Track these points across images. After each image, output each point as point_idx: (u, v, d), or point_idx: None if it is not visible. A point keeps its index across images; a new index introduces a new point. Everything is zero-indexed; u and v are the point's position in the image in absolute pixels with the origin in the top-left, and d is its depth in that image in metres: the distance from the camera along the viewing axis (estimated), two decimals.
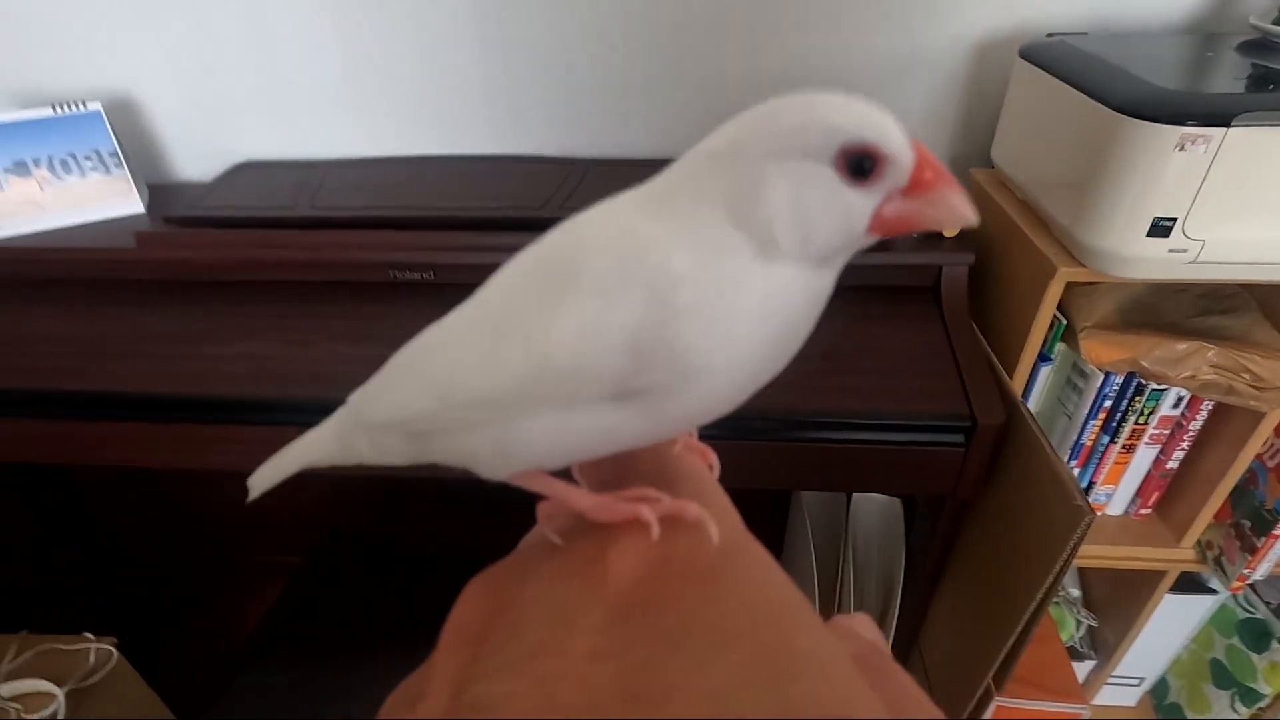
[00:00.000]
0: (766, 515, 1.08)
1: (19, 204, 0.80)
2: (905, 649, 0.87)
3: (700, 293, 0.15)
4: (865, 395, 0.65)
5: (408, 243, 0.76)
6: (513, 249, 0.68)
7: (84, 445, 0.70)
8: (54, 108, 0.79)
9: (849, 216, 0.15)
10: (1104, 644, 0.97)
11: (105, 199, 0.83)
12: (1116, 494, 0.82)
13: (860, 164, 0.15)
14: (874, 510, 0.87)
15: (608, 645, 0.12)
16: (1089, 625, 0.98)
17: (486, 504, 0.79)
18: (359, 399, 0.21)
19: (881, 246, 0.70)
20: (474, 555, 0.22)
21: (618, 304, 0.15)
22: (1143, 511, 0.83)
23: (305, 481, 0.29)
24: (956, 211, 0.16)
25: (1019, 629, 0.63)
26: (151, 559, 1.17)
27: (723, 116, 0.67)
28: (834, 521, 0.91)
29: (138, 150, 0.91)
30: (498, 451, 0.18)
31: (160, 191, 0.90)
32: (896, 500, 0.87)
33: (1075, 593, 1.02)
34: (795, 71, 0.82)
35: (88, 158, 0.81)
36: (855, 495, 0.89)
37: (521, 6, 0.80)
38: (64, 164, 0.81)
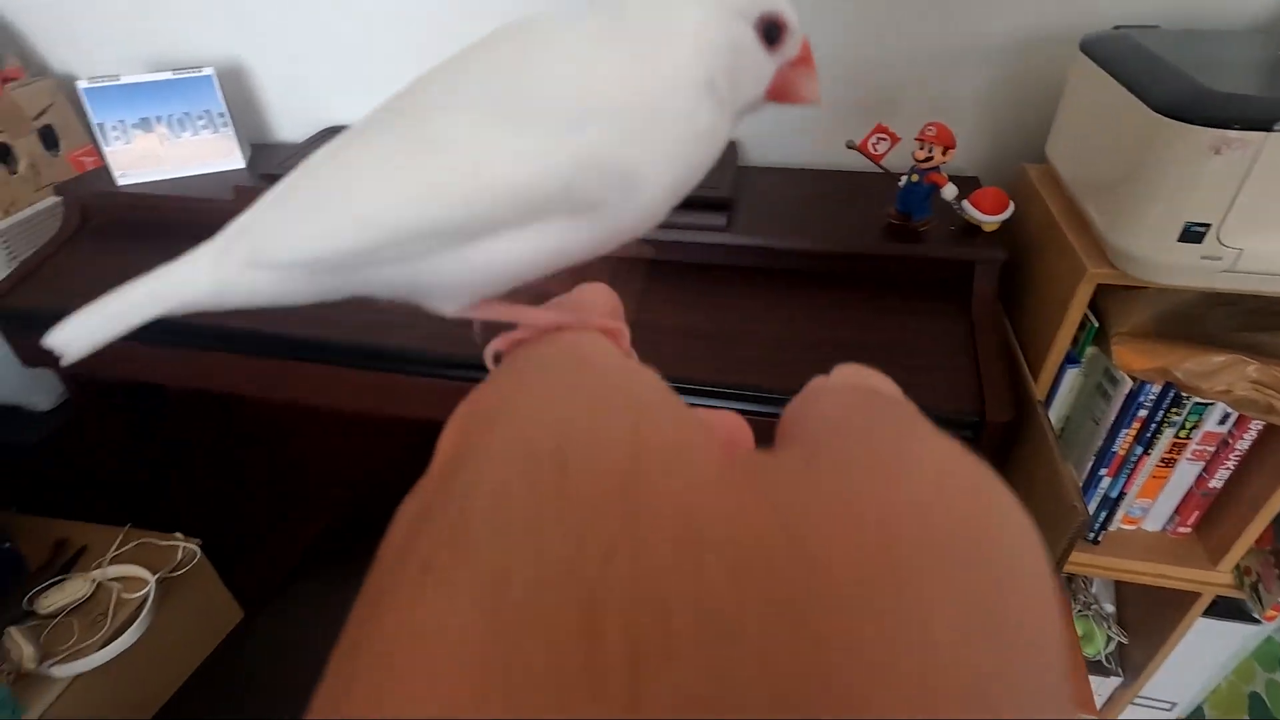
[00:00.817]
0: None
1: (142, 156, 0.91)
2: None
3: (651, 125, 0.17)
4: None
5: None
6: None
7: (177, 370, 0.81)
8: (174, 72, 0.90)
9: (759, 74, 0.17)
10: (1132, 663, 0.94)
11: (213, 155, 0.94)
12: (1154, 509, 0.79)
13: (770, 30, 0.17)
14: None
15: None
16: (1119, 642, 0.95)
17: None
18: (254, 236, 0.19)
19: (918, 239, 0.70)
20: None
21: (581, 132, 0.16)
22: (1181, 530, 0.80)
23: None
24: (816, 90, 0.19)
25: None
26: (234, 474, 1.32)
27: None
28: None
29: (243, 113, 1.02)
30: (447, 281, 0.17)
31: (260, 150, 1.01)
32: None
33: (1109, 608, 0.99)
34: (849, 58, 0.82)
35: (200, 117, 0.92)
36: None
37: None
38: (180, 122, 0.92)
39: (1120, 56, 0.60)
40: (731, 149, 0.89)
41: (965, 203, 0.71)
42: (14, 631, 0.81)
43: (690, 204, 0.68)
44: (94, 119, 0.88)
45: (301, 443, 1.27)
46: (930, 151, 0.68)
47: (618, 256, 0.20)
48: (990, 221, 0.71)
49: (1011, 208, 0.71)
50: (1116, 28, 0.69)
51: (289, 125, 1.05)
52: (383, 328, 0.74)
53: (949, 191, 0.70)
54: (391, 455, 1.30)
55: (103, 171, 0.95)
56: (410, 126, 0.18)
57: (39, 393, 1.01)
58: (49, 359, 0.89)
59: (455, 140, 0.17)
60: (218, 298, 0.19)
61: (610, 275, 0.19)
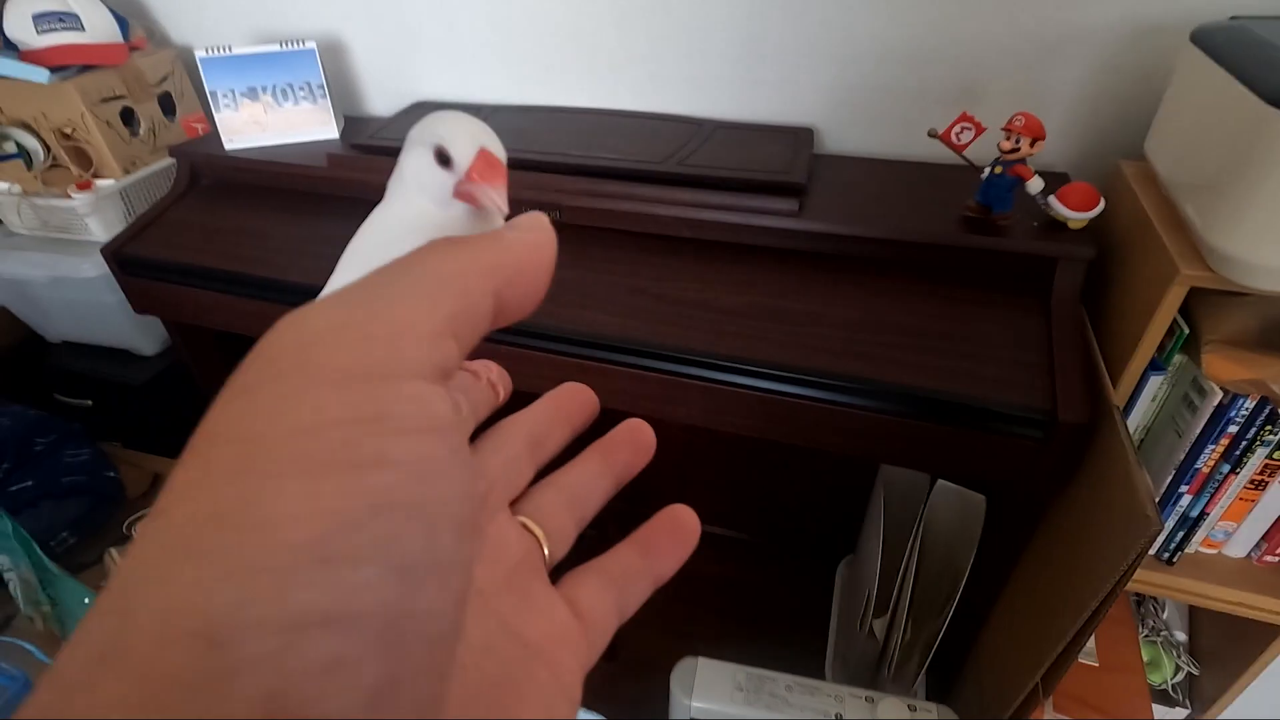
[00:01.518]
0: (850, 483, 1.08)
1: (247, 123, 0.97)
2: (962, 643, 0.86)
3: (393, 245, 0.20)
4: (945, 375, 0.65)
5: (540, 183, 0.85)
6: (629, 197, 0.75)
7: (265, 321, 0.86)
8: (281, 44, 0.96)
9: (437, 183, 0.23)
10: (1202, 695, 0.89)
11: (310, 124, 0.99)
12: (1238, 533, 0.75)
13: (441, 156, 0.22)
14: (954, 502, 0.86)
15: None
16: (1189, 672, 0.90)
17: None
18: None
19: (998, 233, 0.69)
20: None
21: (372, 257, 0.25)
22: (1269, 559, 0.75)
23: None
24: (489, 200, 0.22)
25: (1071, 634, 0.61)
26: None
27: (855, 88, 0.71)
28: (912, 503, 0.90)
29: (339, 85, 1.07)
30: None
31: (353, 122, 1.06)
32: (980, 498, 0.85)
33: (1181, 636, 0.94)
34: (934, 44, 0.80)
35: (301, 88, 0.98)
36: (939, 483, 0.87)
37: None
38: (283, 92, 0.97)
39: (1234, 48, 0.57)
40: (806, 136, 0.88)
41: (1052, 198, 0.69)
42: (114, 551, 0.89)
43: (762, 188, 0.69)
44: (208, 86, 0.95)
45: None
46: (1017, 143, 0.66)
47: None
48: (1078, 218, 0.68)
49: (1102, 205, 0.68)
50: (1233, 18, 0.65)
51: (380, 99, 1.10)
52: None
53: (1034, 185, 0.68)
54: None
55: (212, 136, 1.01)
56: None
57: (146, 338, 1.09)
58: (156, 307, 0.98)
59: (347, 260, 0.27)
60: None
61: None
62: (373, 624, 0.10)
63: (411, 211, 0.23)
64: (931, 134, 0.70)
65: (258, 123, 0.98)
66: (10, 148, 1.00)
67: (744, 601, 1.19)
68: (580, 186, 0.83)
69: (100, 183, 1.02)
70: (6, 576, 0.84)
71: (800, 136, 0.88)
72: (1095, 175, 0.77)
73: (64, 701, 0.09)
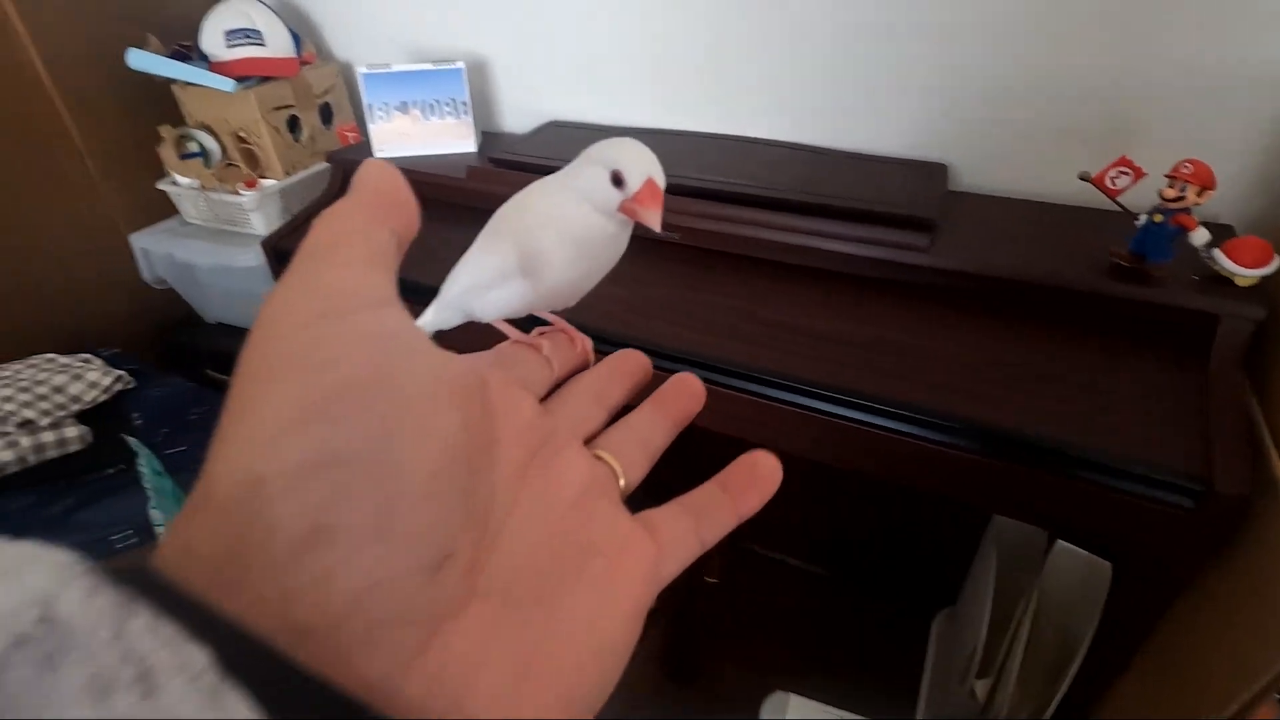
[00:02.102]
0: (955, 531, 1.03)
1: (397, 134, 1.05)
2: (1077, 715, 0.80)
3: (549, 224, 0.29)
4: (1077, 426, 0.61)
5: (666, 206, 0.87)
6: (752, 223, 0.76)
7: None
8: (433, 64, 1.03)
9: (608, 198, 0.28)
10: None
11: (453, 137, 1.06)
12: None
13: (616, 178, 0.27)
14: (1075, 565, 0.80)
15: None
16: None
17: None
18: (439, 296, 0.35)
19: (1152, 284, 0.65)
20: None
21: (517, 241, 0.29)
22: None
23: None
24: (649, 220, 0.27)
25: None
26: None
27: (995, 124, 0.70)
28: (1027, 562, 0.85)
29: (480, 102, 1.14)
30: (485, 309, 0.31)
31: (490, 136, 1.12)
32: (1107, 564, 0.79)
33: None
34: (1089, 81, 0.76)
35: (447, 104, 1.04)
36: (1059, 544, 0.82)
37: (822, 5, 0.85)
38: (431, 107, 1.04)
39: None
40: (940, 172, 0.86)
41: (1217, 251, 0.64)
42: None
43: (890, 221, 0.68)
44: (366, 100, 1.03)
45: None
46: (1183, 191, 0.62)
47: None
48: (1248, 275, 0.63)
49: (1276, 263, 0.62)
50: None
51: (515, 115, 1.15)
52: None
53: (1199, 237, 0.63)
54: None
55: (362, 145, 1.10)
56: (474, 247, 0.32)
57: None
58: None
59: (471, 252, 0.32)
60: (435, 324, 0.35)
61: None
62: (358, 466, 0.13)
63: (577, 212, 0.28)
64: (1083, 177, 0.67)
65: (405, 134, 1.05)
66: (194, 147, 1.12)
67: (831, 641, 1.15)
68: (703, 210, 0.85)
69: (265, 182, 1.13)
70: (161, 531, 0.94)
71: (934, 171, 0.86)
72: (1267, 231, 0.71)
73: (174, 533, 0.13)
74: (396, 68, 1.03)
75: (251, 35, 1.09)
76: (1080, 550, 0.79)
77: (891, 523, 1.16)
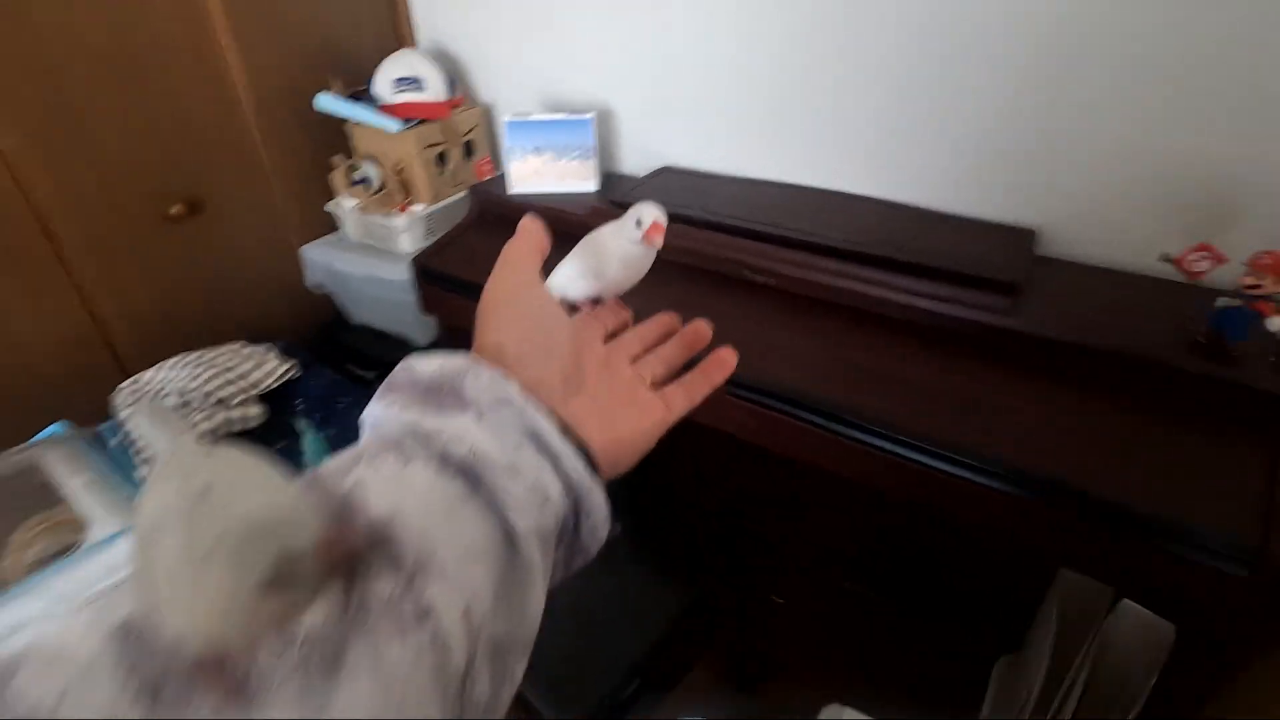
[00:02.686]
0: (1024, 577, 1.06)
1: (530, 172, 1.20)
2: None
3: (606, 248, 0.44)
4: (1141, 489, 0.66)
5: (762, 252, 0.96)
6: (843, 275, 0.85)
7: None
8: (567, 114, 1.17)
9: (634, 234, 0.44)
10: None
11: (576, 178, 1.20)
12: None
13: (638, 222, 0.43)
14: (1137, 624, 0.83)
15: None
16: None
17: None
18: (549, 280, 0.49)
19: (1228, 363, 0.69)
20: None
21: (583, 258, 0.46)
22: None
23: None
24: (654, 244, 0.43)
25: None
26: None
27: (1088, 196, 0.77)
28: (1090, 615, 0.88)
29: (604, 145, 1.27)
30: (573, 293, 0.46)
31: (609, 178, 1.25)
32: (1170, 626, 0.81)
33: None
34: (1188, 162, 0.80)
35: (575, 149, 1.18)
36: (1123, 601, 0.85)
37: (926, 70, 0.93)
38: (561, 151, 1.19)
39: None
40: (1028, 237, 0.91)
41: None
42: None
43: (974, 282, 0.75)
44: (507, 143, 1.18)
45: None
46: (1261, 280, 0.66)
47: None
48: None
49: None
50: None
51: (633, 158, 1.28)
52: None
53: (1275, 324, 0.67)
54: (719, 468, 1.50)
55: (498, 180, 1.26)
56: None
57: (422, 332, 1.36)
58: (438, 310, 1.23)
59: (568, 259, 0.47)
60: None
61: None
62: (534, 338, 0.31)
63: (620, 242, 0.45)
64: (1164, 258, 0.71)
65: (538, 173, 1.20)
66: (359, 175, 1.32)
67: (892, 668, 1.20)
68: (797, 259, 0.94)
69: (414, 208, 1.30)
70: None
71: (1022, 236, 0.91)
72: None
73: (471, 360, 0.29)
74: (535, 117, 1.18)
75: (415, 83, 1.27)
76: (1144, 610, 0.82)
77: (962, 563, 1.19)
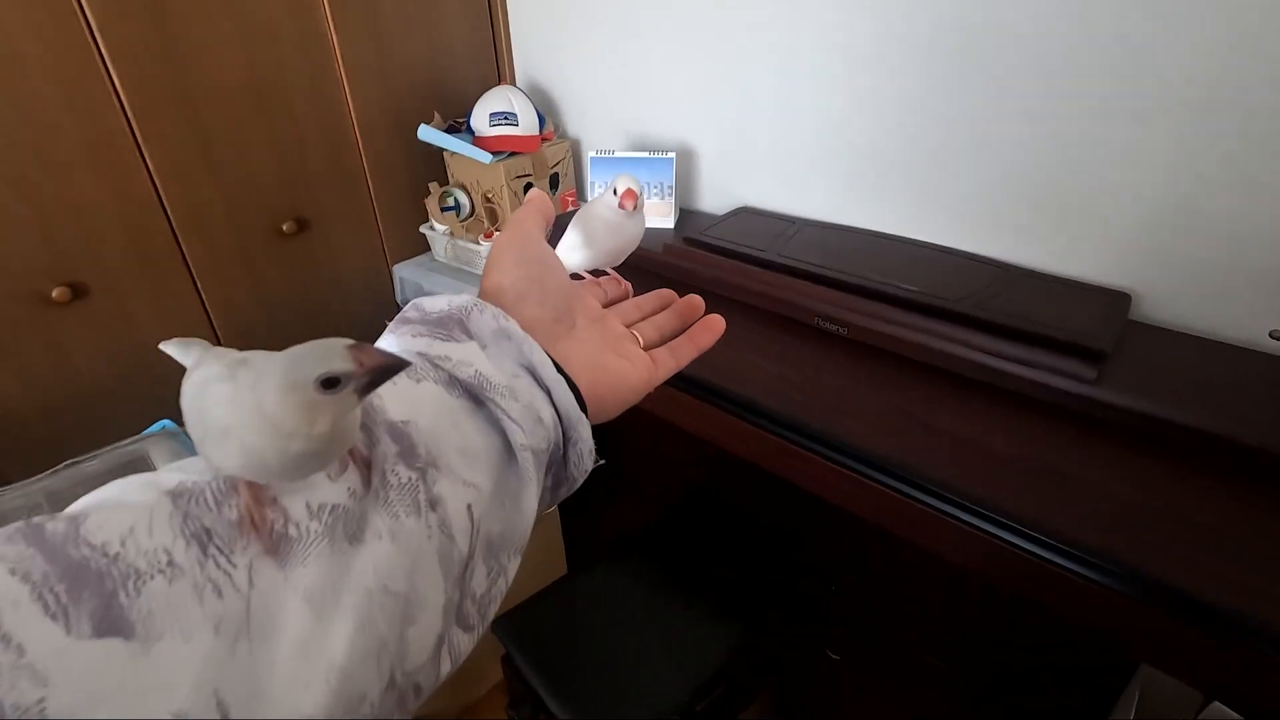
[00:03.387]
0: (1103, 669, 0.99)
1: None
2: None
3: (595, 218, 0.52)
4: (1234, 586, 0.60)
5: (835, 299, 0.95)
6: (919, 329, 0.83)
7: None
8: (650, 152, 1.20)
9: (613, 201, 0.51)
10: None
11: (655, 215, 1.22)
12: None
13: (614, 190, 0.50)
14: None
15: None
16: None
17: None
18: None
19: None
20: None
21: (582, 227, 0.53)
22: None
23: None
24: (627, 207, 0.50)
25: None
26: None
27: (1191, 261, 0.77)
28: (1173, 716, 0.81)
29: (683, 182, 1.30)
30: (573, 264, 0.52)
31: (686, 215, 1.27)
32: None
33: None
34: None
35: (655, 186, 1.21)
36: (1213, 704, 0.78)
37: (1017, 121, 0.91)
38: (643, 188, 1.21)
39: None
40: (1123, 301, 0.86)
41: None
42: None
43: (1059, 347, 0.72)
44: (590, 178, 1.23)
45: (648, 441, 1.55)
46: None
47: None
48: None
49: None
50: None
51: (711, 197, 1.30)
52: (738, 376, 0.90)
53: None
54: (714, 473, 1.50)
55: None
56: None
57: None
58: None
59: (565, 234, 0.53)
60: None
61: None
62: (533, 283, 0.34)
63: (604, 211, 0.50)
64: (1274, 335, 0.66)
65: None
66: (451, 202, 1.39)
67: None
68: (872, 310, 0.92)
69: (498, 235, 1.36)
70: None
71: (1116, 300, 0.86)
72: None
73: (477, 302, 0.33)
74: (618, 153, 1.22)
75: (509, 118, 1.34)
76: (1237, 716, 0.75)
77: (1035, 640, 1.12)
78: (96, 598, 0.19)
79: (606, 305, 0.42)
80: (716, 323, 0.41)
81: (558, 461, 0.32)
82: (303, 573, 0.23)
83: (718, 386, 0.89)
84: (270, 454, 0.22)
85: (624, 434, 1.55)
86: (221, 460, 0.23)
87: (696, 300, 0.43)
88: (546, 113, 1.42)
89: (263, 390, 0.22)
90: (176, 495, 0.23)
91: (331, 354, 0.22)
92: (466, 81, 1.46)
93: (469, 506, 0.27)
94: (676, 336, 0.41)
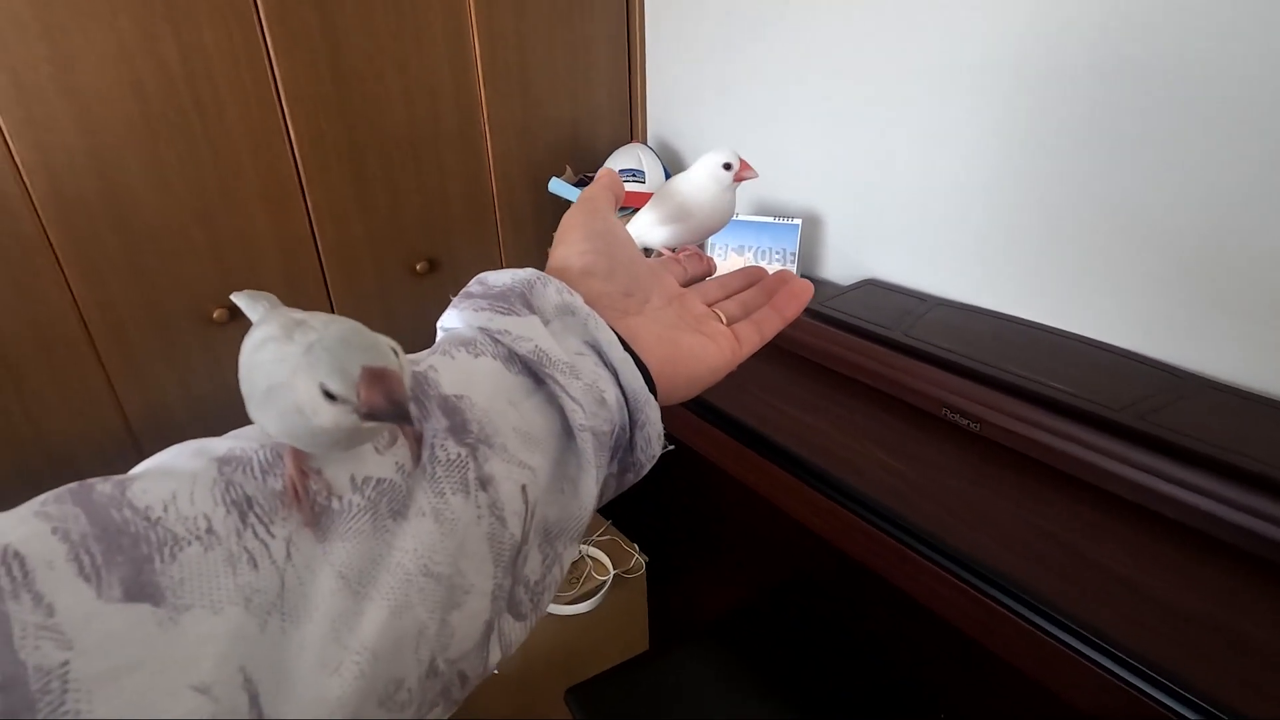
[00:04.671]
0: None
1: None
2: None
3: (688, 195, 0.49)
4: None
5: (968, 391, 0.86)
6: (1066, 437, 0.72)
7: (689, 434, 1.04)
8: (775, 218, 1.17)
9: (724, 176, 0.50)
10: None
11: None
12: None
13: (727, 165, 0.49)
14: None
15: None
16: None
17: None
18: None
19: None
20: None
21: (666, 203, 0.50)
22: None
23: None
24: (747, 177, 0.49)
25: None
26: (682, 514, 1.60)
27: None
28: None
29: (807, 251, 1.25)
30: (654, 241, 0.50)
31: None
32: None
33: None
34: None
35: (778, 252, 1.17)
36: None
37: (1187, 207, 0.80)
38: (764, 252, 1.18)
39: None
40: None
41: None
42: None
43: (1252, 480, 0.59)
44: (711, 238, 1.21)
45: (750, 520, 1.48)
46: None
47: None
48: None
49: None
50: None
51: (836, 266, 1.24)
52: (849, 467, 0.83)
53: None
54: (817, 562, 1.40)
55: None
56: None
57: None
58: None
59: (645, 209, 0.51)
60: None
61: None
62: (601, 258, 0.33)
63: (707, 186, 0.49)
64: None
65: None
66: None
67: None
68: (1010, 407, 0.82)
69: None
70: None
71: None
72: None
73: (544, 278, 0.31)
74: (743, 217, 1.19)
75: (637, 174, 1.36)
76: None
77: None
78: (130, 562, 0.19)
79: (686, 284, 0.39)
80: (803, 288, 0.39)
81: (624, 446, 0.30)
82: (341, 548, 0.22)
83: (830, 475, 0.83)
84: (299, 425, 0.21)
85: (725, 512, 1.49)
86: (264, 422, 0.23)
87: (786, 273, 0.40)
88: (673, 169, 1.43)
89: (305, 360, 0.21)
90: (224, 462, 0.22)
91: (349, 364, 0.21)
92: (599, 138, 1.51)
93: (523, 488, 0.26)
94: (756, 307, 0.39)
